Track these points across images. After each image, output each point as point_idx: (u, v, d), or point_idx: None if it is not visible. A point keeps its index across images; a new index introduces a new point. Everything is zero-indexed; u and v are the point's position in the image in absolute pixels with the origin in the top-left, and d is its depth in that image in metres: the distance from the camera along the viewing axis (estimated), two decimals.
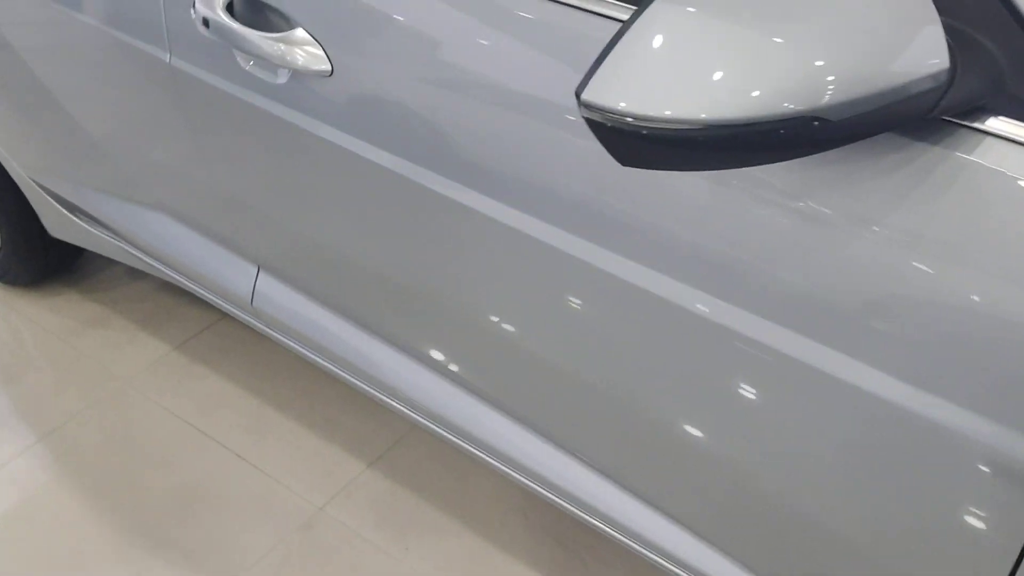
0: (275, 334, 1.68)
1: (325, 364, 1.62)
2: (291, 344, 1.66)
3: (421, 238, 1.30)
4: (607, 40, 0.77)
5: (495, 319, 1.28)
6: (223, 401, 1.96)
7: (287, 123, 1.32)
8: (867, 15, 0.74)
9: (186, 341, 2.10)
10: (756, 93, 0.72)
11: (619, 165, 0.80)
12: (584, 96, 0.76)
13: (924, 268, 0.85)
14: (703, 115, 0.73)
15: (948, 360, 0.87)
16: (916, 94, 0.75)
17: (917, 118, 0.78)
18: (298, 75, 1.26)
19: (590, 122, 0.76)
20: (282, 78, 1.29)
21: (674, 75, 0.74)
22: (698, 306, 1.02)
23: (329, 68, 1.22)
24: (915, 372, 0.90)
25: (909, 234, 0.85)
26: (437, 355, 1.42)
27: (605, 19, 0.98)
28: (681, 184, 0.97)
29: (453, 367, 1.41)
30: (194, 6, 1.30)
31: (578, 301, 1.16)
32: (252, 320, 1.70)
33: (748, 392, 1.05)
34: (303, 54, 1.23)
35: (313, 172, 1.37)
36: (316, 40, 1.22)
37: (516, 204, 1.13)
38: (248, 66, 1.32)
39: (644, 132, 0.74)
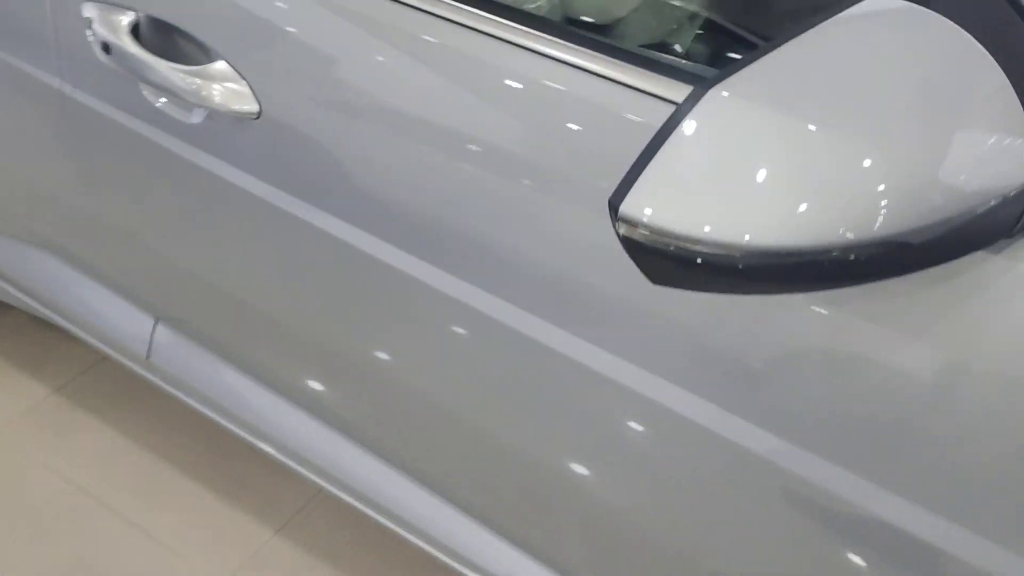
0: (174, 391, 1.48)
1: (228, 425, 1.43)
2: (191, 402, 1.46)
3: (353, 304, 1.15)
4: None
5: (416, 385, 1.15)
6: (111, 457, 1.74)
7: (199, 168, 1.13)
8: (953, 121, 0.62)
9: (67, 383, 1.87)
10: (831, 217, 0.59)
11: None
12: (623, 209, 0.65)
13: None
14: (764, 241, 0.60)
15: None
16: (998, 212, 0.64)
17: (999, 237, 0.66)
18: (216, 115, 1.08)
19: (625, 238, 0.66)
20: (196, 117, 1.11)
21: (730, 191, 0.63)
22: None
23: (256, 109, 1.04)
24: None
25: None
26: (351, 419, 1.28)
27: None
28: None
29: (367, 432, 1.27)
30: (91, 27, 1.10)
31: (507, 373, 1.04)
32: (148, 375, 1.49)
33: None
34: (223, 91, 1.05)
35: (226, 223, 1.19)
36: (241, 76, 1.04)
37: (460, 273, 1.01)
38: (158, 103, 1.12)
39: (693, 258, 0.63)
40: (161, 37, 1.09)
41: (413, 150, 0.97)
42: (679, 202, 0.64)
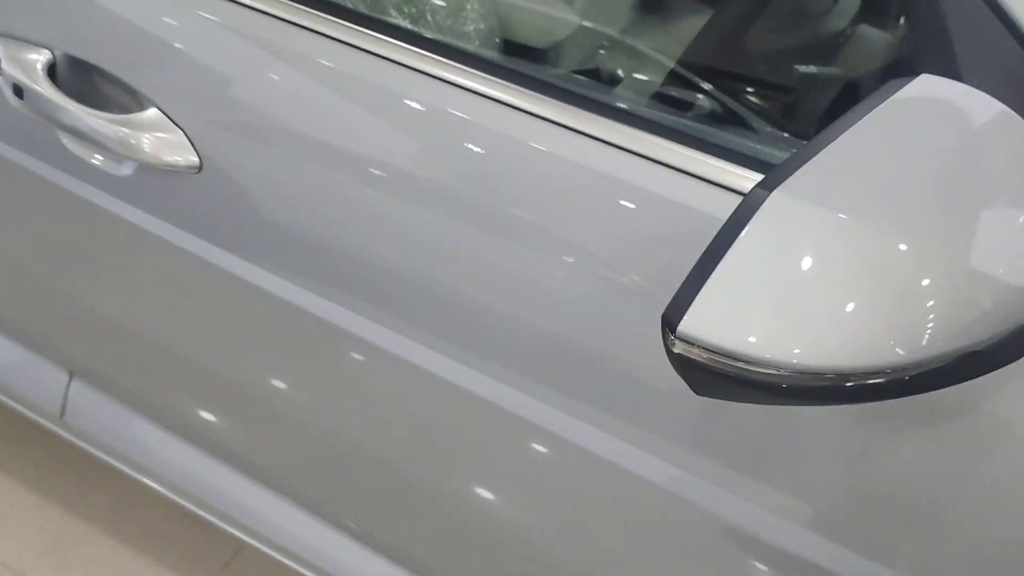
0: (91, 448, 1.35)
1: (146, 481, 1.32)
2: (108, 459, 1.34)
3: (279, 356, 1.07)
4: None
5: (345, 436, 1.08)
6: (13, 512, 1.59)
7: (126, 222, 1.02)
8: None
9: None
10: (924, 340, 0.55)
11: None
12: (682, 328, 0.60)
13: None
14: (830, 363, 0.56)
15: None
16: None
17: None
18: (149, 169, 0.97)
19: (680, 356, 0.61)
20: (126, 169, 0.99)
21: (797, 310, 0.59)
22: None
23: (196, 162, 0.93)
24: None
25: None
26: (279, 473, 1.20)
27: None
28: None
29: (293, 485, 1.20)
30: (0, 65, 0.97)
31: (435, 418, 1.00)
32: (63, 433, 1.36)
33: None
34: (156, 142, 0.94)
35: (154, 278, 1.08)
36: (178, 126, 0.93)
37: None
38: (78, 153, 1.00)
39: (755, 380, 0.59)
40: (82, 79, 0.98)
41: (378, 202, 0.89)
42: (743, 322, 0.60)
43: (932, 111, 0.64)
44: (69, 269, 1.17)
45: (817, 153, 0.61)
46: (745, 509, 0.83)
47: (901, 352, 0.57)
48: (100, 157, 1.00)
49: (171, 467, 1.28)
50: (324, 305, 0.97)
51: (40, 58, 0.97)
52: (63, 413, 1.32)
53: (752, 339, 0.58)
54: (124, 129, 0.94)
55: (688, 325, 0.59)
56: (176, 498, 1.31)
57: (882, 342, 0.57)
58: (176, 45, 0.93)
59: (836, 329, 0.58)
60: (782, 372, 0.58)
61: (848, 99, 1.09)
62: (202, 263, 1.00)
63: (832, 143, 0.61)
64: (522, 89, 0.85)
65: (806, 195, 0.60)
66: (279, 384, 1.09)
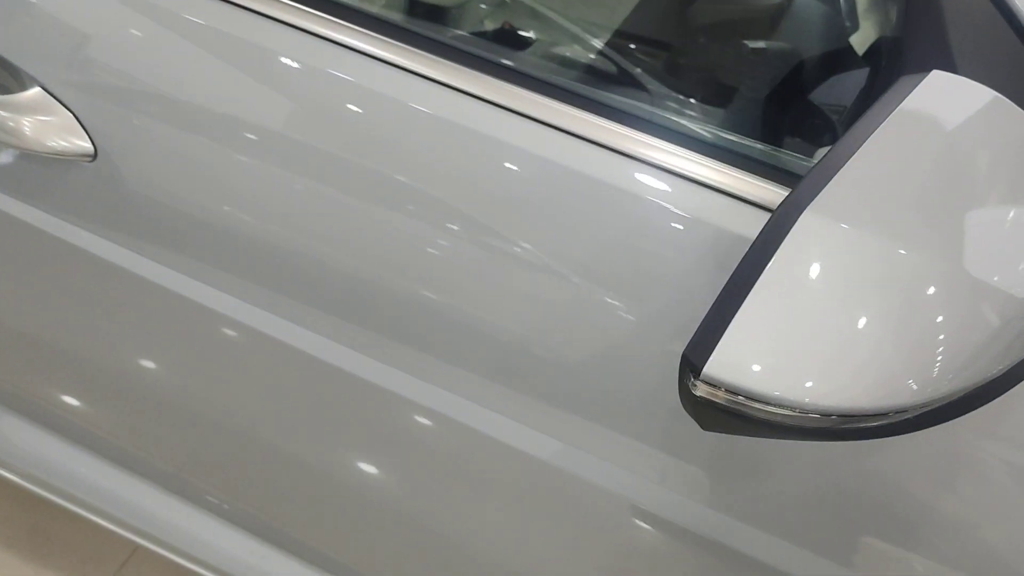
0: None
1: (27, 486, 1.21)
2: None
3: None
4: None
5: (229, 425, 1.02)
6: None
7: (9, 217, 0.90)
8: None
9: None
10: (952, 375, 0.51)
11: None
12: (708, 371, 0.55)
13: None
14: (859, 405, 0.51)
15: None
16: None
17: None
18: (33, 156, 0.85)
19: (701, 399, 0.57)
20: (5, 157, 0.87)
21: (828, 349, 0.55)
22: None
23: (91, 151, 0.82)
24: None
25: None
26: (164, 469, 1.12)
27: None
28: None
29: (178, 478, 1.12)
30: None
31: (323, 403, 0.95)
32: None
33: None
34: (39, 126, 0.82)
35: (41, 273, 0.96)
36: (67, 107, 0.82)
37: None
38: None
39: (779, 423, 0.55)
40: None
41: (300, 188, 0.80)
42: (780, 366, 0.55)
43: (953, 114, 0.59)
44: None
45: (842, 165, 0.55)
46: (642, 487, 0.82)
47: (945, 388, 0.53)
48: None
49: (50, 468, 1.17)
50: (207, 292, 0.91)
51: None
52: None
53: (797, 384, 0.54)
54: (2, 112, 0.82)
55: (715, 368, 0.54)
56: (60, 501, 1.20)
57: (935, 381, 0.53)
58: (61, 15, 0.81)
59: (883, 368, 0.53)
60: (814, 415, 0.54)
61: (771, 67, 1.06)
62: (90, 257, 0.90)
63: (857, 153, 0.56)
64: (408, 48, 0.80)
65: (839, 215, 0.56)
66: (161, 375, 1.00)
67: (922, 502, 0.72)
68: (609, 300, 0.77)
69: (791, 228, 0.54)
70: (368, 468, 0.95)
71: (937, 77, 0.63)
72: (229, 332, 0.91)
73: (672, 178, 0.74)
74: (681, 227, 0.74)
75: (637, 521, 0.84)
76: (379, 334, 0.85)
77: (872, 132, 0.58)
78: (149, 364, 0.99)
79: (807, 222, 0.54)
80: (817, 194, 0.55)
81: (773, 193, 0.73)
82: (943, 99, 0.62)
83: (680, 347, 0.76)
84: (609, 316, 0.76)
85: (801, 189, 0.56)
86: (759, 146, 0.81)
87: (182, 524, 1.13)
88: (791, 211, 0.55)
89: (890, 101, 0.60)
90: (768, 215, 0.73)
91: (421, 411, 0.87)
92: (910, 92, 0.61)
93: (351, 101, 0.80)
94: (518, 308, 0.79)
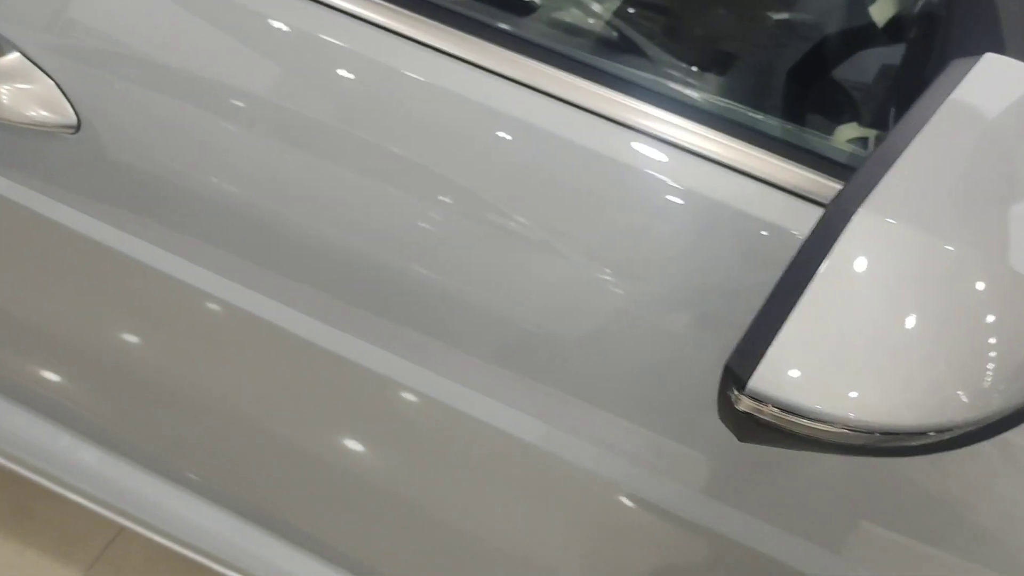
0: None
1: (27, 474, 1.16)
2: None
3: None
4: None
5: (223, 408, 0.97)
6: None
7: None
8: None
9: None
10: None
11: None
12: (753, 385, 0.51)
13: None
14: (905, 422, 0.47)
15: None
16: None
17: None
18: (10, 127, 0.79)
19: (741, 412, 0.52)
20: None
21: (883, 361, 0.50)
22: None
23: (74, 122, 0.77)
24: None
25: None
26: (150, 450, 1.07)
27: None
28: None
29: (159, 458, 1.08)
30: None
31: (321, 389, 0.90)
32: None
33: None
34: (18, 95, 0.76)
35: (21, 252, 0.91)
36: (49, 75, 0.76)
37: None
38: None
39: (824, 439, 0.51)
40: None
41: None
42: (821, 379, 0.51)
43: (1011, 101, 0.54)
44: None
45: (895, 159, 0.50)
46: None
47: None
48: None
49: (31, 447, 1.12)
50: (193, 270, 0.86)
51: None
52: None
53: (848, 400, 0.49)
54: None
55: (761, 382, 0.50)
56: (42, 481, 1.16)
57: (987, 394, 0.49)
58: None
59: (944, 383, 0.49)
60: (864, 433, 0.50)
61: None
62: (70, 233, 0.84)
63: (911, 146, 0.51)
64: (403, 11, 0.75)
65: (896, 213, 0.51)
66: (146, 353, 0.96)
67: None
68: (608, 278, 0.73)
69: (844, 228, 0.50)
70: (357, 449, 0.91)
71: (991, 61, 0.58)
72: (215, 310, 0.86)
73: (694, 158, 0.70)
74: (681, 201, 0.70)
75: (628, 504, 0.81)
76: (370, 312, 0.81)
77: (926, 122, 0.54)
78: (133, 342, 0.94)
79: (861, 221, 0.50)
80: (871, 190, 0.50)
81: (794, 174, 0.69)
82: (999, 85, 0.57)
83: (679, 327, 0.72)
84: (608, 295, 0.73)
85: (853, 185, 0.51)
86: (779, 123, 0.77)
87: (168, 505, 1.09)
88: (843, 209, 0.50)
89: (943, 88, 0.56)
90: (783, 196, 0.70)
91: (412, 392, 0.84)
92: (963, 78, 0.56)
93: (343, 67, 0.75)
94: (515, 285, 0.75)
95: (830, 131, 0.84)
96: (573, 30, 0.99)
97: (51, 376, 1.05)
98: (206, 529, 1.07)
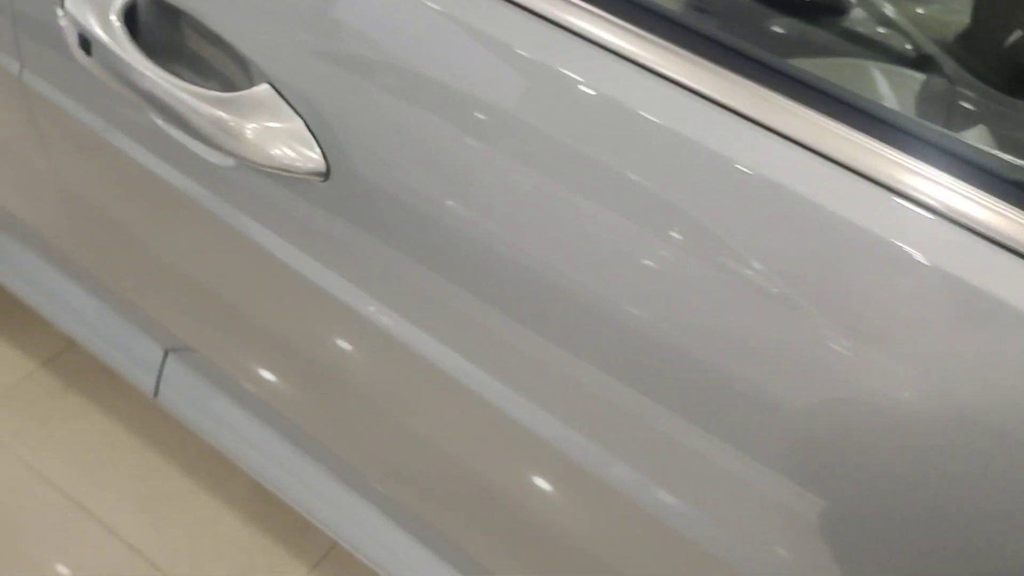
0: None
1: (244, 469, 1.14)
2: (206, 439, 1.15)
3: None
4: None
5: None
6: (106, 455, 1.42)
7: (218, 219, 0.77)
8: None
9: (59, 354, 1.53)
10: None
11: None
12: None
13: None
14: None
15: None
16: None
17: None
18: (252, 167, 0.70)
19: None
20: (227, 160, 0.72)
21: None
22: None
23: (323, 168, 0.66)
24: None
25: None
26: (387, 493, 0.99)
27: None
28: None
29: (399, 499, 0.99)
30: (63, 4, 0.70)
31: None
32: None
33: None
34: (263, 133, 0.66)
35: (253, 280, 0.83)
36: (297, 112, 0.65)
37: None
38: (174, 131, 0.74)
39: None
40: (169, 28, 0.70)
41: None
42: None
43: None
44: (171, 251, 0.93)
45: None
46: None
47: None
48: (192, 140, 0.73)
49: (264, 459, 1.09)
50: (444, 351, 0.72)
51: None
52: (157, 391, 1.11)
53: None
54: (219, 112, 0.67)
55: None
56: (269, 487, 1.13)
57: None
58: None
59: None
60: None
61: None
62: (317, 290, 0.75)
63: None
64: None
65: None
66: (387, 397, 0.84)
67: None
68: (850, 353, 0.55)
69: None
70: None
71: None
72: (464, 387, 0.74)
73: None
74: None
75: None
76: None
77: None
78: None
79: None
80: None
81: None
82: None
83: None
84: (848, 372, 0.55)
85: None
86: None
87: (380, 536, 1.04)
88: None
89: None
90: None
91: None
92: None
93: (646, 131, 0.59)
94: (744, 341, 0.58)
95: None
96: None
97: (286, 393, 0.99)
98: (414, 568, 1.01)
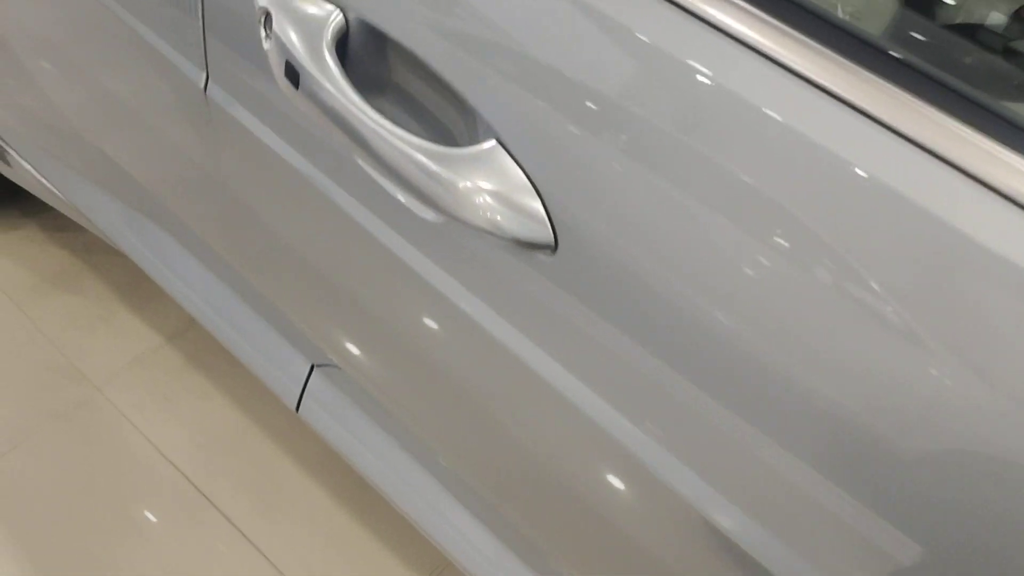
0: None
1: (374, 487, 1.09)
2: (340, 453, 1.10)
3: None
4: None
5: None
6: (226, 436, 1.39)
7: (426, 285, 0.69)
8: None
9: (186, 329, 1.49)
10: None
11: None
12: None
13: None
14: None
15: None
16: None
17: None
18: (464, 227, 0.62)
19: None
20: (434, 215, 0.64)
21: None
22: None
23: (551, 240, 0.58)
24: None
25: None
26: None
27: None
28: None
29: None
30: (267, 26, 0.63)
31: None
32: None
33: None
34: (487, 197, 0.58)
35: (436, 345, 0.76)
36: (528, 176, 0.57)
37: None
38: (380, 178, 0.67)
39: None
40: (380, 59, 0.62)
41: None
42: None
43: None
44: (352, 283, 0.87)
45: None
46: None
47: None
48: (399, 190, 0.66)
49: (405, 487, 1.03)
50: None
51: (330, 23, 0.61)
52: (299, 406, 1.05)
53: None
54: (435, 166, 0.58)
55: None
56: (405, 514, 1.07)
57: None
58: (575, 48, 0.55)
59: None
60: None
61: None
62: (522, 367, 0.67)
63: None
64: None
65: None
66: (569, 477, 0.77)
67: None
68: (975, 392, 0.48)
69: None
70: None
71: None
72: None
73: None
74: None
75: None
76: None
77: None
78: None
79: None
80: None
81: None
82: None
83: None
84: (972, 413, 0.49)
85: None
86: None
87: (491, 556, 0.98)
88: None
89: None
90: None
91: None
92: None
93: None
94: (849, 367, 0.52)
95: None
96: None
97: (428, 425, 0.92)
98: None
